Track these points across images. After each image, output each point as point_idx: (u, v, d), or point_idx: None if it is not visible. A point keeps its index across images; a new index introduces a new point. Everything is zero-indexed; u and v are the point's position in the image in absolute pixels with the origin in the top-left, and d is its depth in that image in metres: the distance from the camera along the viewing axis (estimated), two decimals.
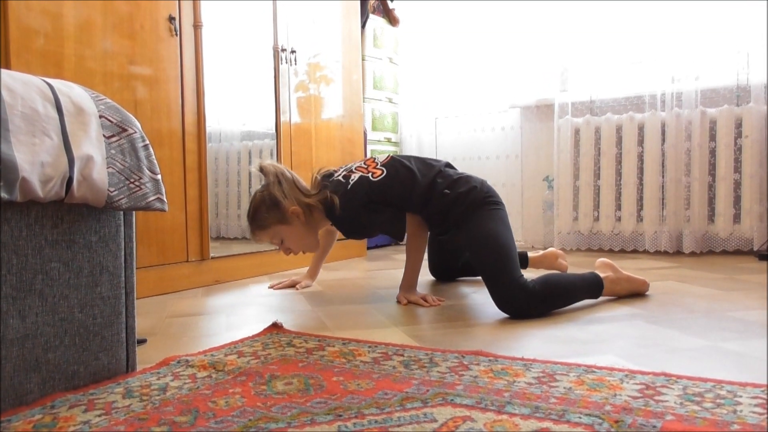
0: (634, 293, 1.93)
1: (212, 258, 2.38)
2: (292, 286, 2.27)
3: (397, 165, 1.94)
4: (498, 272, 1.72)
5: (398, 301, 1.92)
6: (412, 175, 1.91)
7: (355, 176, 1.92)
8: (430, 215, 1.93)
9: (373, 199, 1.88)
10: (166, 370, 1.21)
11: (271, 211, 1.91)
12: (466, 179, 1.94)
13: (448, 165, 2.05)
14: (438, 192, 1.88)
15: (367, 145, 3.62)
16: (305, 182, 1.99)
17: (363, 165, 1.99)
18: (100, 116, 1.12)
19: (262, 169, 1.96)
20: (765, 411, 0.92)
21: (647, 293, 1.96)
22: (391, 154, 2.02)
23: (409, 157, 2.01)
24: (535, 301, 1.68)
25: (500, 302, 1.71)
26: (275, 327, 1.56)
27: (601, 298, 1.85)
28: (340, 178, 1.94)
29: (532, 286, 1.68)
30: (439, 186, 1.89)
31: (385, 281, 2.37)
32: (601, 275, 1.86)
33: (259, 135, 2.80)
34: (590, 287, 1.82)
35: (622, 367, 1.16)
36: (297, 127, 2.89)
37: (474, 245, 1.82)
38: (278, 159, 2.77)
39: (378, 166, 1.95)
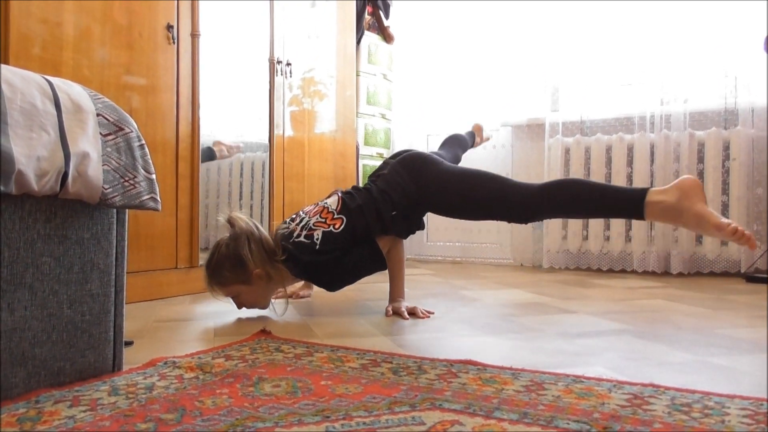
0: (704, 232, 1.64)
1: (201, 266, 2.36)
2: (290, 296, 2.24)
3: (349, 207, 1.90)
4: (489, 194, 1.83)
5: (385, 312, 1.92)
6: (362, 211, 1.89)
7: (318, 233, 1.84)
8: (396, 233, 1.95)
9: (345, 248, 1.85)
10: (153, 370, 1.20)
11: (235, 270, 1.80)
12: (389, 182, 1.94)
13: (373, 181, 2.04)
14: (388, 218, 1.89)
15: (359, 160, 3.63)
16: (270, 239, 1.88)
17: (320, 219, 1.89)
18: (98, 114, 1.13)
19: (230, 221, 1.86)
20: (753, 422, 0.92)
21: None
22: (340, 195, 1.97)
23: (351, 194, 1.98)
24: (544, 197, 1.74)
25: (509, 213, 1.82)
26: (264, 333, 1.56)
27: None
28: (302, 239, 1.84)
29: (534, 185, 1.78)
30: (385, 212, 1.89)
31: (375, 293, 2.37)
32: (657, 198, 1.63)
33: (251, 147, 2.80)
34: (621, 202, 1.70)
35: (610, 378, 1.17)
36: (290, 139, 2.90)
37: (453, 206, 1.94)
38: (271, 171, 2.78)
39: (335, 216, 1.89)
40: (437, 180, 1.93)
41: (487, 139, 3.02)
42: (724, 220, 1.54)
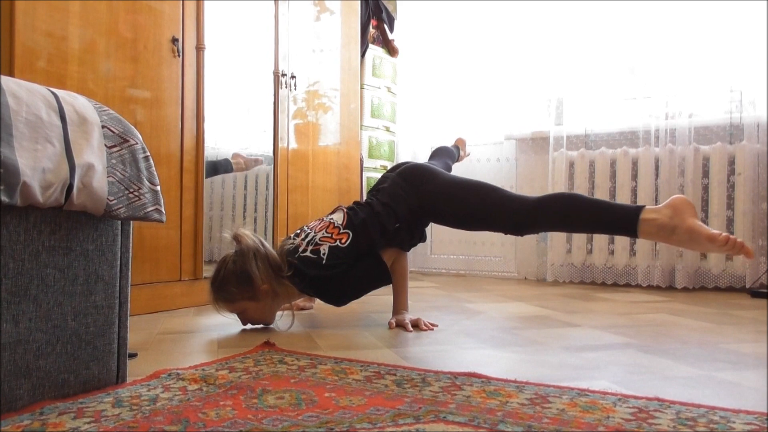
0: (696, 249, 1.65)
1: (205, 278, 2.37)
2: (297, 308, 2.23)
3: (354, 221, 1.90)
4: (487, 205, 1.83)
5: (389, 325, 1.91)
6: (366, 225, 1.89)
7: (324, 248, 1.84)
8: (400, 245, 1.96)
9: (350, 263, 1.86)
10: (157, 382, 1.20)
11: (242, 287, 1.79)
12: (391, 195, 1.96)
13: (374, 195, 2.04)
14: (392, 231, 1.90)
15: (363, 173, 3.64)
16: (276, 255, 1.88)
17: (326, 234, 1.88)
18: (103, 126, 1.14)
19: (237, 238, 1.84)
20: None
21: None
22: (344, 209, 1.97)
23: (354, 209, 1.97)
24: (539, 210, 1.76)
25: (505, 224, 1.83)
26: (267, 345, 1.56)
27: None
28: (308, 254, 1.83)
29: (531, 198, 1.80)
30: (389, 225, 1.90)
31: (379, 305, 2.37)
32: (651, 216, 1.63)
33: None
34: (616, 219, 1.70)
35: (615, 392, 1.16)
36: (294, 152, 2.91)
37: (453, 216, 1.94)
38: (275, 183, 2.78)
39: (341, 231, 1.89)
40: (438, 190, 1.94)
41: (468, 154, 3.04)
42: (716, 231, 1.54)
